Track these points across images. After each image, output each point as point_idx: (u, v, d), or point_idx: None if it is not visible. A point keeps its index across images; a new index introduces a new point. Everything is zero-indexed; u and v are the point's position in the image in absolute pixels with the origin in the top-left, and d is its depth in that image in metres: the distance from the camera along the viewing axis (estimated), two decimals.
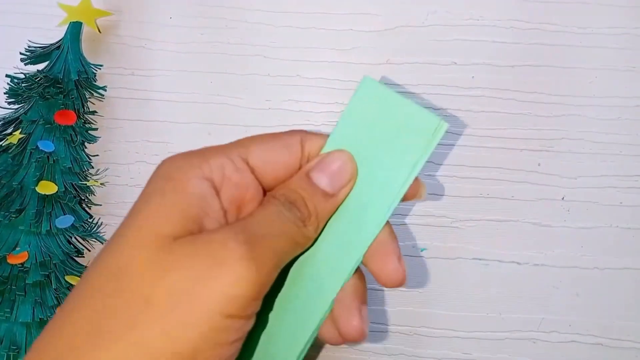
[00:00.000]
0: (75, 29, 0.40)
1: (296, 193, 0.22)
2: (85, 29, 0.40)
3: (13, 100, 0.39)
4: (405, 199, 0.25)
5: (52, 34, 0.40)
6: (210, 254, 0.19)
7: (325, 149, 0.25)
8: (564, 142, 0.40)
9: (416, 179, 0.24)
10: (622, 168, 0.39)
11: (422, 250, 0.39)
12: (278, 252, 0.21)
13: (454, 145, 0.40)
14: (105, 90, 0.41)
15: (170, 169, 0.22)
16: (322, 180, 0.23)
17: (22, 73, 0.39)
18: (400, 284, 0.25)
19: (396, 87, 0.41)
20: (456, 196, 0.40)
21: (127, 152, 0.41)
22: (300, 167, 0.24)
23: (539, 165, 0.40)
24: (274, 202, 0.22)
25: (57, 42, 0.40)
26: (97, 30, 0.41)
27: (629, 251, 0.39)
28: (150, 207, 0.20)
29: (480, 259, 0.39)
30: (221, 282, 0.18)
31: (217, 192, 0.22)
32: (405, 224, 0.40)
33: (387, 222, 0.25)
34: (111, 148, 0.41)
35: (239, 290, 0.18)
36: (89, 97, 0.40)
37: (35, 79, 0.38)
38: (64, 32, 0.40)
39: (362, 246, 0.24)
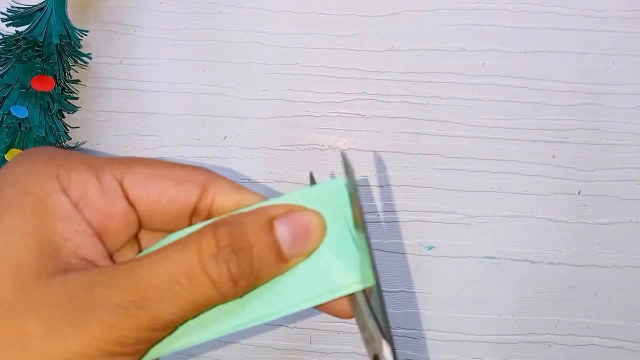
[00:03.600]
0: None
1: (247, 239, 0.17)
2: None
3: None
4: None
5: None
6: (75, 308, 0.16)
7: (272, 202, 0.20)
8: (580, 133, 0.37)
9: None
10: None
11: (429, 249, 0.37)
12: (171, 322, 0.17)
13: (462, 137, 0.38)
14: (90, 58, 0.38)
15: (26, 176, 0.18)
16: (285, 236, 0.18)
17: (0, 34, 0.37)
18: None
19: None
20: (466, 191, 0.37)
21: (116, 147, 0.39)
22: (194, 211, 0.19)
23: (553, 157, 0.37)
24: (204, 247, 0.17)
25: (40, 4, 0.37)
26: None
27: None
28: (5, 227, 0.16)
29: (491, 258, 0.37)
30: (72, 339, 0.16)
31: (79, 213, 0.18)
32: (412, 221, 0.37)
33: None
34: (98, 142, 0.39)
35: (92, 351, 0.16)
36: (73, 65, 0.38)
37: (14, 39, 0.36)
38: None
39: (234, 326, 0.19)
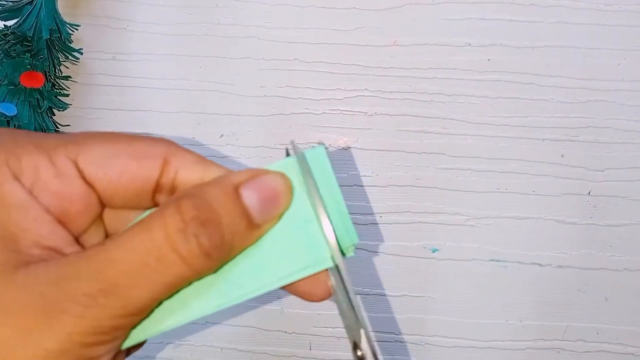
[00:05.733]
0: None
1: (213, 210, 0.16)
2: None
3: None
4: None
5: None
6: (45, 305, 0.15)
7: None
8: (590, 131, 0.36)
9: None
10: None
11: (433, 251, 0.36)
12: (145, 306, 0.16)
13: (468, 135, 0.36)
14: (81, 53, 0.37)
15: None
16: (253, 202, 0.18)
17: None
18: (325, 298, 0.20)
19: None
20: (471, 191, 0.36)
21: None
22: (157, 187, 0.18)
23: (562, 156, 0.36)
24: (169, 223, 0.16)
25: None
26: None
27: None
28: None
29: (497, 261, 0.36)
30: (50, 336, 0.15)
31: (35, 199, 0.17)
32: (415, 222, 0.36)
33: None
34: None
35: (69, 345, 0.15)
36: (63, 61, 0.37)
37: (2, 34, 0.35)
38: None
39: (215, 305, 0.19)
